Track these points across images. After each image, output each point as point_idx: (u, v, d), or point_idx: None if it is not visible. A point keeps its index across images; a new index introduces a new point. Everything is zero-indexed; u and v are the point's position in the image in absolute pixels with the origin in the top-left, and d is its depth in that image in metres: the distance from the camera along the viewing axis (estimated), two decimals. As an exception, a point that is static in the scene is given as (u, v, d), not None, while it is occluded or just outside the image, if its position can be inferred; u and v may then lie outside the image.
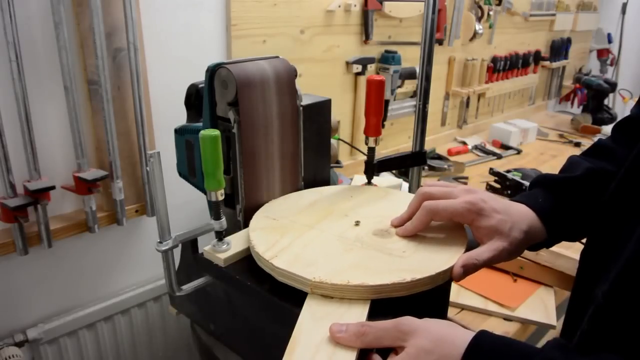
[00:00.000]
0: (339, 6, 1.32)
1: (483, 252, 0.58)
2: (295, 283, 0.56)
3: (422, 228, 0.62)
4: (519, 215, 0.61)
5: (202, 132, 0.58)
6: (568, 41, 2.48)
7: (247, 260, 0.65)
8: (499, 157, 1.80)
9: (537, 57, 2.27)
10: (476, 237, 0.61)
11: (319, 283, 0.54)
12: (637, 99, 0.68)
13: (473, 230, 0.61)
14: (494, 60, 2.01)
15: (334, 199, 0.76)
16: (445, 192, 0.62)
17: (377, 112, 0.78)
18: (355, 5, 1.36)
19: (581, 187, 0.63)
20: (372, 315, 0.52)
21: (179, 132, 0.82)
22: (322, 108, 0.84)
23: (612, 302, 0.45)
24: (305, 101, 0.80)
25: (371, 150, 0.80)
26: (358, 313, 0.52)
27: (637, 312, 0.43)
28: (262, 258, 0.59)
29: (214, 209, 0.63)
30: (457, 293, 0.96)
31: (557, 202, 0.63)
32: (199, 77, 0.76)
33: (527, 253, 0.83)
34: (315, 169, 0.84)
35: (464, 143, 1.91)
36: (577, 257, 0.61)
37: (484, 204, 0.59)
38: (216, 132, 0.58)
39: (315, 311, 0.53)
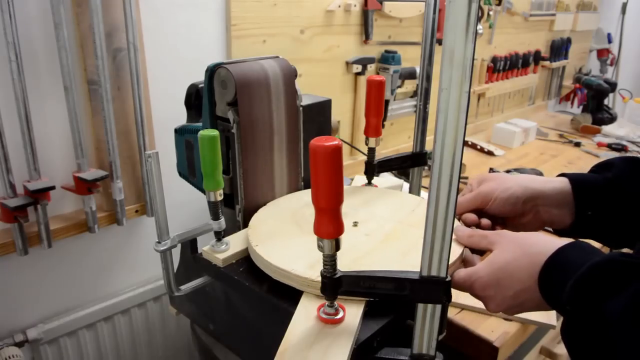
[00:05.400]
0: (339, 6, 1.32)
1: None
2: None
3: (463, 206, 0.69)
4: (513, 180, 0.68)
5: (200, 132, 0.58)
6: (568, 41, 2.48)
7: (246, 260, 0.65)
8: (499, 156, 1.80)
9: (537, 57, 2.27)
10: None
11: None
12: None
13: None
14: (494, 60, 2.01)
15: (384, 201, 0.77)
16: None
17: (377, 113, 0.78)
18: (355, 5, 1.36)
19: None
20: (369, 315, 0.54)
21: (179, 132, 0.82)
22: (322, 108, 0.84)
23: None
24: (305, 101, 0.80)
25: (371, 151, 0.80)
26: (353, 313, 0.53)
27: None
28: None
29: (213, 209, 0.63)
30: (458, 293, 0.95)
31: (599, 177, 0.66)
32: (199, 77, 0.76)
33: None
34: (314, 169, 0.84)
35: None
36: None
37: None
38: (214, 132, 0.58)
39: (309, 311, 0.54)
